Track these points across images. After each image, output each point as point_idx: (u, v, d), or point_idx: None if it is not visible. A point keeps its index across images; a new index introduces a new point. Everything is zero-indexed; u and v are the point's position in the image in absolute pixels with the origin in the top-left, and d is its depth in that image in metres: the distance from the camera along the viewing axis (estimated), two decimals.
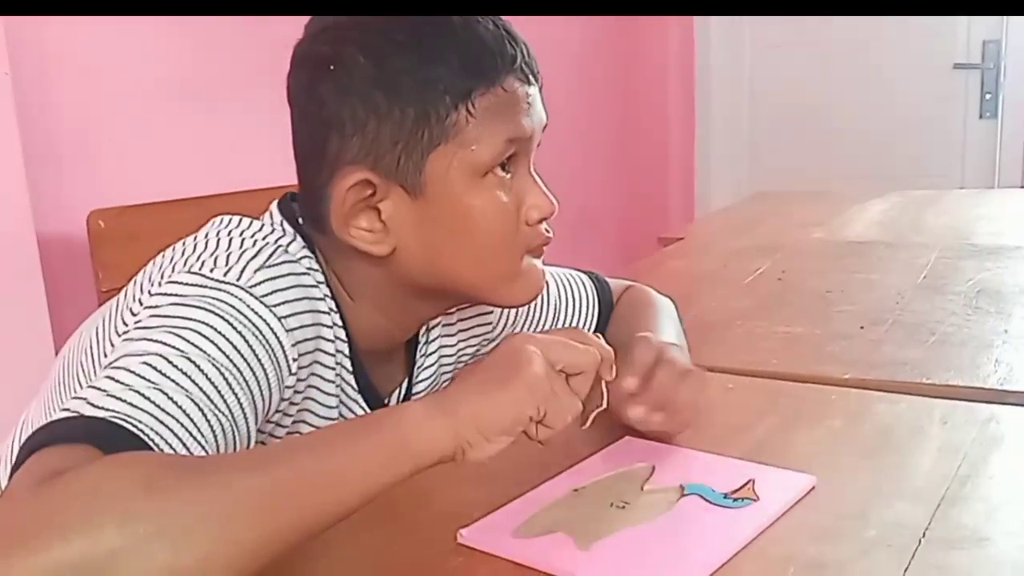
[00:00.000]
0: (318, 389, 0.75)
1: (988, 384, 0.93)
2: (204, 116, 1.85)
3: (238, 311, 0.64)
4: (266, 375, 0.65)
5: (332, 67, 0.69)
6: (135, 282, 0.75)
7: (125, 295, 0.74)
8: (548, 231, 0.76)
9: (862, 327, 1.15)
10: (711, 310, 1.31)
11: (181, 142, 1.82)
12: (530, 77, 0.72)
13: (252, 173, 1.46)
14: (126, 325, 0.65)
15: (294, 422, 0.75)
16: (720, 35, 3.47)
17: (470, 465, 0.59)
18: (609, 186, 3.35)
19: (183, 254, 0.70)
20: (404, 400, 0.84)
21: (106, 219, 1.45)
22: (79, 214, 1.42)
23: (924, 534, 0.64)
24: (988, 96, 3.10)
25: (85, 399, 0.56)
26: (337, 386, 0.76)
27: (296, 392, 0.72)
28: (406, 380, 0.84)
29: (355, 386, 0.78)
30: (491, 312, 0.92)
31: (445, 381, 0.91)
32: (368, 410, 0.80)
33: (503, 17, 0.72)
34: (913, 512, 0.67)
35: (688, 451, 0.78)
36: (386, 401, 0.82)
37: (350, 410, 0.79)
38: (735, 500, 0.69)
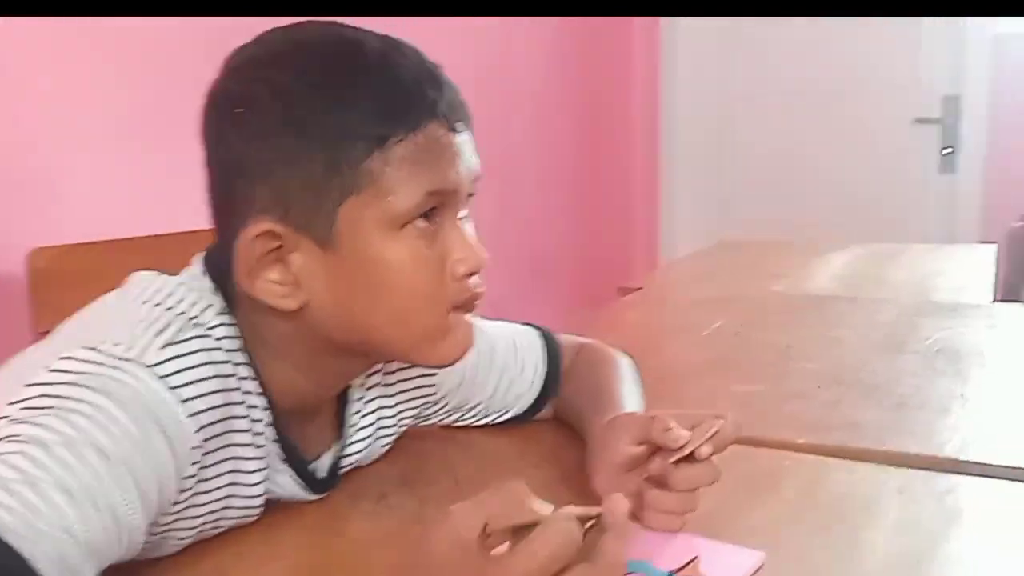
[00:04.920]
0: (239, 471, 0.70)
1: (945, 452, 0.90)
2: (153, 154, 1.81)
3: (137, 393, 0.59)
4: (162, 467, 0.60)
5: (239, 109, 0.65)
6: (49, 339, 0.70)
7: (28, 354, 0.70)
8: (478, 286, 0.71)
9: (819, 387, 1.13)
10: (667, 364, 1.27)
11: (129, 180, 1.77)
12: (456, 125, 0.68)
13: (202, 213, 1.42)
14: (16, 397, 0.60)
15: (219, 508, 0.70)
16: (685, 81, 3.50)
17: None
18: (570, 232, 3.33)
19: (87, 324, 0.66)
20: (335, 465, 0.79)
21: (48, 258, 1.40)
22: (20, 252, 1.37)
23: None
24: (947, 151, 3.13)
25: None
26: (261, 460, 0.71)
27: (202, 480, 0.66)
28: (338, 442, 0.80)
29: (282, 455, 0.73)
30: (434, 372, 0.87)
31: (386, 445, 0.86)
32: (298, 479, 0.75)
33: (432, 60, 0.69)
34: None
35: (632, 524, 0.73)
36: (313, 466, 0.77)
37: (276, 483, 0.74)
38: None
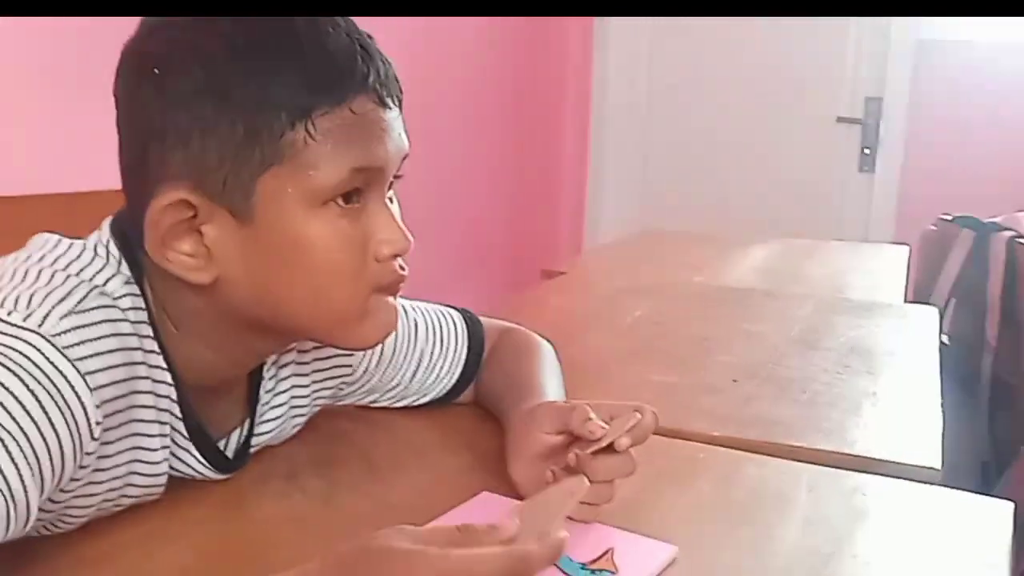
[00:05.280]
0: (142, 448, 0.67)
1: (855, 451, 0.92)
2: (83, 103, 1.72)
3: (35, 364, 0.56)
4: (59, 443, 0.56)
5: (156, 70, 0.61)
6: None
7: None
8: (403, 268, 0.69)
9: (735, 380, 1.14)
10: (588, 352, 1.27)
11: (55, 132, 1.68)
12: (386, 100, 0.65)
13: (115, 173, 1.36)
14: None
15: (120, 485, 0.67)
16: (616, 74, 3.50)
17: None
18: (497, 213, 3.31)
19: None
20: (244, 444, 0.77)
21: None
22: None
23: None
24: (867, 151, 3.21)
25: None
26: (164, 436, 0.68)
27: (103, 456, 0.63)
28: (248, 420, 0.77)
29: (185, 434, 0.70)
30: (352, 353, 0.85)
31: (298, 424, 0.84)
32: (200, 458, 0.72)
33: (365, 31, 0.66)
34: None
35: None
36: (221, 444, 0.74)
37: (181, 460, 0.71)
38: (593, 572, 0.65)
